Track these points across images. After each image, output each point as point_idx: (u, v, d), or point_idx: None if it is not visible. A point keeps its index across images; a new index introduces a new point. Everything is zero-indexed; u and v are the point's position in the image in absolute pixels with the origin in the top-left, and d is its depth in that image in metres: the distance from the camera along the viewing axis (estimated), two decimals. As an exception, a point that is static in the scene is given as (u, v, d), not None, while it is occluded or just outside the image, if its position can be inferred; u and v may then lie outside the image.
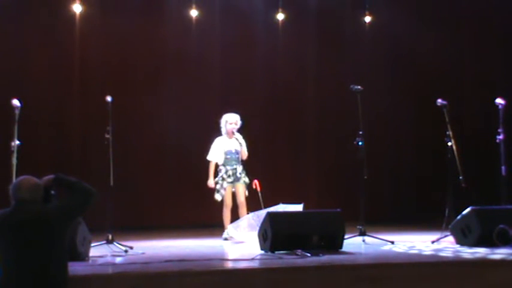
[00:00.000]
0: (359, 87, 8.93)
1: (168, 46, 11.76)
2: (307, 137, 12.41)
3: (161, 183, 11.55)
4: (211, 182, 9.31)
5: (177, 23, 11.83)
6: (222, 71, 11.96)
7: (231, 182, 9.29)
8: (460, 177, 8.58)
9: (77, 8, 11.32)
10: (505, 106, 8.99)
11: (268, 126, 12.02)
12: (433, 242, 8.32)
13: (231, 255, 7.87)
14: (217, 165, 9.41)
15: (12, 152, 7.93)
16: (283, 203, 8.83)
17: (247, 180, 9.37)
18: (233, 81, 11.97)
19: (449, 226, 8.28)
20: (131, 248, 7.83)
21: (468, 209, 8.09)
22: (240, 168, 9.36)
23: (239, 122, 9.47)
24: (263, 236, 7.74)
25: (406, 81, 12.59)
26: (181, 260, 6.90)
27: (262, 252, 7.63)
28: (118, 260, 7.14)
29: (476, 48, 12.90)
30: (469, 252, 7.42)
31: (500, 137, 8.92)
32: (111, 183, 8.00)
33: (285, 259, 7.07)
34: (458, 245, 8.01)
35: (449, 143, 8.67)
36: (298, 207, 8.77)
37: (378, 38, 12.54)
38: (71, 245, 6.33)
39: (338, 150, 11.84)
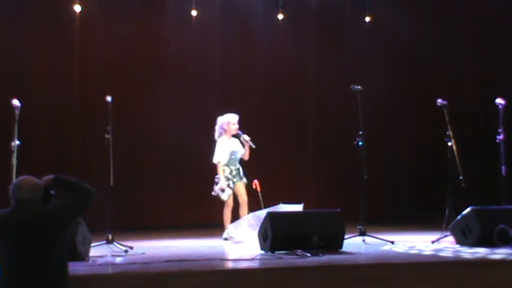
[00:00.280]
0: (359, 87, 8.93)
1: (168, 46, 11.76)
2: (307, 137, 12.40)
3: (161, 183, 11.55)
4: (224, 183, 9.27)
5: (177, 23, 11.82)
6: (222, 71, 11.96)
7: (235, 182, 9.30)
8: (460, 177, 8.58)
9: (77, 8, 11.31)
10: (505, 106, 8.99)
11: (268, 126, 12.01)
12: (433, 242, 8.32)
13: (231, 255, 7.87)
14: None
15: (12, 152, 7.93)
16: (283, 203, 8.83)
17: (245, 180, 9.38)
18: (233, 81, 11.97)
19: (449, 226, 8.28)
20: (131, 248, 7.83)
21: (468, 209, 8.09)
22: (241, 168, 9.39)
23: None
24: (263, 236, 7.74)
25: (406, 81, 12.59)
26: (182, 260, 6.91)
27: (262, 252, 7.63)
28: (118, 260, 7.14)
29: (476, 48, 12.90)
30: (469, 252, 7.42)
31: (500, 137, 8.92)
32: (111, 183, 8.00)
33: (285, 259, 7.07)
34: (458, 245, 8.01)
35: (449, 143, 8.67)
36: (298, 207, 8.77)
37: (378, 38, 12.54)
38: (71, 245, 6.32)
39: (338, 150, 11.84)
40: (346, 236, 7.97)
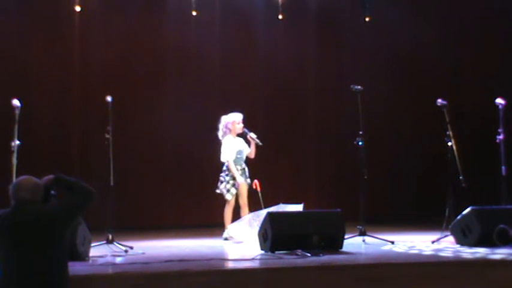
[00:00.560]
0: (359, 87, 8.93)
1: (168, 46, 11.77)
2: (307, 137, 12.40)
3: (161, 183, 11.55)
4: (241, 179, 9.26)
5: (177, 23, 11.83)
6: (222, 71, 11.96)
7: (243, 180, 9.31)
8: (460, 177, 8.58)
9: (77, 8, 11.31)
10: (505, 106, 8.99)
11: (268, 125, 12.00)
12: (433, 242, 8.32)
13: (231, 255, 7.86)
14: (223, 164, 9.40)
15: (12, 152, 7.93)
16: (283, 203, 8.83)
17: (249, 180, 9.38)
18: (233, 81, 11.97)
19: (450, 226, 8.28)
20: (131, 248, 7.83)
21: (468, 209, 8.09)
22: (246, 168, 9.39)
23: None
24: (263, 236, 7.74)
25: (406, 81, 12.59)
26: (182, 260, 6.91)
27: (262, 252, 7.63)
28: (118, 260, 7.15)
29: (476, 47, 12.90)
30: (469, 252, 7.42)
31: (500, 137, 8.92)
32: (111, 183, 8.01)
33: (285, 259, 7.07)
34: (458, 245, 8.01)
35: (449, 143, 8.67)
36: (298, 207, 8.77)
37: (378, 38, 12.54)
38: (71, 245, 6.32)
39: (338, 150, 11.84)
40: (346, 236, 7.97)
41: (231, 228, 9.09)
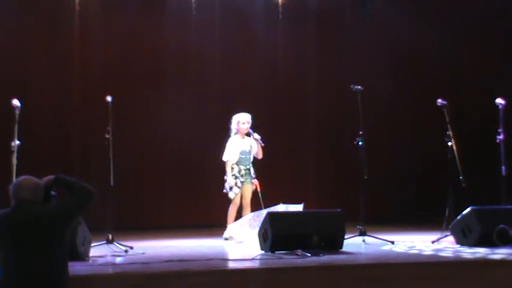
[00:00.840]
0: (359, 87, 8.93)
1: (168, 46, 11.76)
2: (307, 137, 12.40)
3: (161, 183, 11.55)
4: (232, 181, 9.29)
5: (177, 23, 11.82)
6: (222, 71, 11.95)
7: (244, 182, 9.31)
8: (460, 177, 8.58)
9: (77, 9, 11.31)
10: (505, 106, 8.99)
11: (268, 125, 11.99)
12: (433, 242, 8.32)
13: (231, 255, 7.87)
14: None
15: (12, 152, 7.93)
16: (284, 203, 8.83)
17: (256, 183, 9.37)
18: (233, 81, 11.97)
19: (450, 226, 8.28)
20: (131, 248, 7.83)
21: (468, 209, 8.10)
22: (252, 168, 9.39)
23: (250, 121, 9.48)
24: (263, 236, 7.74)
25: (406, 81, 12.59)
26: (182, 260, 6.91)
27: (262, 252, 7.63)
28: (118, 260, 7.15)
29: (476, 47, 12.89)
30: (469, 252, 7.42)
31: (500, 137, 8.92)
32: (111, 183, 8.01)
33: (285, 259, 7.07)
34: (458, 245, 8.01)
35: (449, 143, 8.67)
36: (299, 207, 8.77)
37: (378, 38, 12.53)
38: (71, 245, 6.33)
39: (338, 150, 11.84)
40: (346, 236, 7.98)
41: (231, 228, 9.09)
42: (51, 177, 5.38)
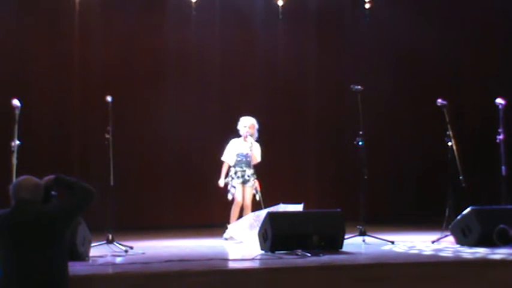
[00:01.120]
0: (359, 87, 8.93)
1: (168, 46, 11.75)
2: (307, 137, 12.40)
3: (161, 183, 11.55)
4: (221, 182, 9.34)
5: (178, 23, 11.82)
6: (222, 71, 11.95)
7: (241, 183, 9.31)
8: (460, 177, 8.58)
9: (78, 8, 11.31)
10: (505, 106, 8.99)
11: (268, 125, 11.99)
12: (433, 242, 8.32)
13: (231, 255, 7.87)
14: (229, 167, 9.42)
15: (12, 152, 7.93)
16: (284, 203, 8.83)
17: (256, 184, 9.36)
18: (233, 81, 11.97)
19: (450, 226, 8.28)
20: (131, 248, 7.83)
21: (468, 209, 8.10)
22: (249, 171, 9.37)
23: (255, 126, 9.48)
24: (263, 236, 7.74)
25: (406, 81, 12.59)
26: (182, 260, 6.91)
27: (262, 252, 7.63)
28: (118, 260, 7.15)
29: (476, 47, 12.89)
30: (469, 252, 7.42)
31: (501, 137, 8.92)
32: (111, 183, 8.01)
33: (285, 259, 7.07)
34: (458, 245, 8.01)
35: (449, 143, 8.68)
36: (299, 207, 8.77)
37: (378, 38, 12.54)
38: (71, 245, 6.33)
39: (338, 150, 11.84)
40: (346, 236, 7.98)
41: (231, 228, 9.10)
42: (51, 177, 5.38)
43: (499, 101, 9.00)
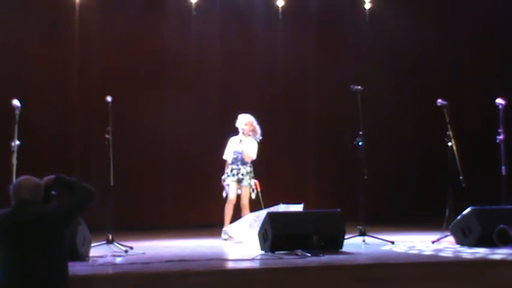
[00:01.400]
0: (359, 87, 8.94)
1: (168, 45, 11.75)
2: (307, 137, 12.40)
3: (161, 183, 11.54)
4: (226, 179, 9.35)
5: (178, 23, 11.82)
6: (222, 71, 11.95)
7: (236, 181, 9.30)
8: (460, 177, 8.58)
9: (78, 8, 11.31)
10: (505, 106, 8.99)
11: (268, 125, 11.98)
12: (433, 242, 8.32)
13: (231, 255, 7.87)
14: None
15: (12, 152, 7.93)
16: (284, 203, 8.83)
17: (252, 183, 9.34)
18: (233, 81, 11.96)
19: (450, 226, 8.29)
20: (131, 248, 7.83)
21: (468, 209, 8.10)
22: (244, 169, 9.35)
23: (254, 123, 9.47)
24: (263, 236, 7.74)
25: (406, 81, 12.59)
26: (182, 260, 6.91)
27: (262, 252, 7.63)
28: (118, 260, 7.15)
29: (476, 47, 12.90)
30: (469, 253, 7.42)
31: (501, 137, 8.92)
32: (111, 183, 8.01)
33: (285, 259, 7.07)
34: (458, 245, 8.01)
35: (450, 143, 8.68)
36: (299, 207, 8.77)
37: (378, 38, 12.54)
38: (71, 245, 6.33)
39: (338, 150, 11.83)
40: (346, 236, 7.98)
41: (230, 228, 9.09)
42: (52, 177, 5.38)
43: (499, 101, 9.00)
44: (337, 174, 12.07)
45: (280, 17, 12.22)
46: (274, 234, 7.55)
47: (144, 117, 11.48)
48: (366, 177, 8.63)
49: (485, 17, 12.83)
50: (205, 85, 11.85)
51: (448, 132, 8.68)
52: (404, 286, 6.49)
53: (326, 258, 7.02)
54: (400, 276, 6.55)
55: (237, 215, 9.33)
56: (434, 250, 7.73)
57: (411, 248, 8.01)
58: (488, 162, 10.81)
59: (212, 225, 10.04)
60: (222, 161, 9.48)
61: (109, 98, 8.31)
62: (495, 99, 9.06)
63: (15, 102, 8.12)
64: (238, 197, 9.37)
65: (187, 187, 11.53)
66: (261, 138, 9.54)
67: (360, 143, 8.75)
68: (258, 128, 9.52)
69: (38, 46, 11.25)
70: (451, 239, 8.24)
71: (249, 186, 9.32)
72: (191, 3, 11.77)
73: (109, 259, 7.21)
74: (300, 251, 7.27)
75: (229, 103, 11.29)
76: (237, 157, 9.39)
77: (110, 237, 7.91)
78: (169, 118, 11.44)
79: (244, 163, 9.37)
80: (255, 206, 9.27)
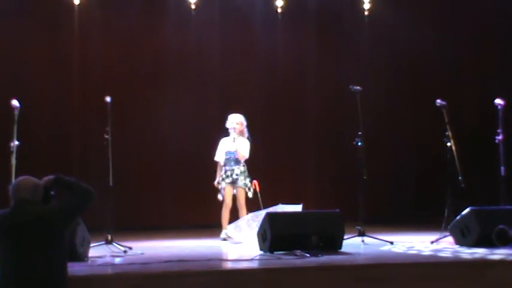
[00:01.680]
0: (358, 87, 8.93)
1: (168, 45, 11.75)
2: (307, 137, 12.39)
3: (161, 183, 11.55)
4: (216, 182, 9.34)
5: (178, 23, 11.83)
6: (222, 71, 11.95)
7: (230, 183, 9.30)
8: (460, 177, 8.58)
9: (76, 9, 11.31)
10: (505, 106, 9.00)
11: (268, 126, 12.02)
12: (432, 242, 8.33)
13: (230, 256, 7.88)
14: (221, 166, 9.44)
15: (12, 152, 7.93)
16: (283, 203, 8.83)
17: (247, 182, 9.33)
18: (233, 81, 11.97)
19: (449, 226, 8.29)
20: (130, 248, 7.83)
21: (467, 209, 8.10)
22: (238, 169, 9.33)
23: (244, 123, 9.46)
24: (262, 236, 7.74)
25: (405, 81, 12.59)
26: (181, 260, 6.91)
27: (262, 252, 7.63)
28: (117, 260, 7.15)
29: (475, 48, 12.89)
30: (468, 253, 7.42)
31: (500, 137, 8.93)
32: (111, 183, 8.01)
33: (284, 259, 7.07)
34: (457, 245, 8.01)
35: (449, 143, 8.68)
36: (298, 208, 8.77)
37: (377, 38, 12.54)
38: (70, 245, 6.32)
39: (338, 150, 11.83)
40: (345, 237, 7.98)
41: (230, 229, 9.09)
42: (51, 177, 5.39)
43: (498, 101, 9.01)
44: (336, 174, 12.07)
45: (280, 17, 12.22)
46: (273, 235, 7.55)
47: (144, 117, 11.49)
48: (365, 177, 8.63)
49: (484, 17, 12.83)
50: (205, 85, 11.85)
51: (447, 133, 8.68)
52: (404, 286, 6.49)
53: (325, 259, 7.02)
54: (399, 276, 6.55)
55: (234, 216, 9.32)
56: (433, 250, 7.73)
57: (410, 248, 8.01)
58: (487, 162, 10.81)
59: (211, 225, 10.04)
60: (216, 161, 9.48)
61: (108, 98, 8.32)
62: (494, 99, 9.07)
63: (15, 102, 8.13)
64: (234, 197, 9.36)
65: (187, 187, 11.53)
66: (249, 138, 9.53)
67: (359, 143, 8.75)
68: (246, 130, 9.50)
69: (38, 46, 11.25)
70: (450, 239, 8.24)
71: (244, 186, 9.30)
72: (191, 3, 11.78)
73: (108, 259, 7.20)
74: (299, 251, 7.27)
75: (229, 103, 11.28)
76: (230, 157, 9.37)
77: (109, 237, 7.91)
78: (169, 118, 11.44)
79: (237, 163, 9.35)
80: (254, 206, 9.27)
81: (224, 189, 9.27)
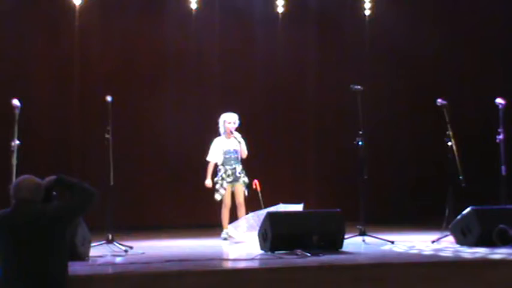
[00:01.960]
0: (359, 87, 8.94)
1: (168, 45, 11.76)
2: (307, 137, 12.40)
3: (161, 183, 11.55)
4: (208, 182, 9.32)
5: (177, 22, 11.83)
6: (222, 71, 11.96)
7: (231, 182, 9.29)
8: (460, 177, 8.58)
9: (77, 9, 11.32)
10: (505, 106, 9.00)
11: (268, 125, 12.02)
12: (433, 242, 8.33)
13: (231, 255, 7.88)
14: (216, 166, 9.41)
15: (12, 152, 7.93)
16: (283, 202, 8.84)
17: (246, 180, 9.34)
18: (233, 81, 11.97)
19: (449, 226, 8.29)
20: (131, 248, 7.83)
21: (468, 209, 8.10)
22: (239, 167, 9.34)
23: (237, 122, 9.47)
24: (263, 236, 7.74)
25: (406, 81, 12.58)
26: (181, 260, 6.91)
27: (262, 252, 7.63)
28: (118, 260, 7.15)
29: (476, 47, 12.89)
30: (469, 252, 7.42)
31: (500, 136, 8.93)
32: (111, 183, 8.01)
33: (285, 259, 7.07)
34: (458, 245, 8.01)
35: (449, 143, 8.67)
36: (298, 207, 8.77)
37: (378, 38, 12.53)
38: (70, 245, 6.32)
39: (338, 150, 11.83)
40: (346, 236, 7.97)
41: (230, 228, 9.10)
42: (53, 177, 5.39)
43: (499, 101, 9.01)
44: (337, 174, 12.06)
45: (280, 17, 12.22)
46: (274, 234, 7.55)
47: (144, 117, 11.49)
48: (365, 176, 8.63)
49: (484, 18, 12.81)
50: (205, 85, 11.85)
51: (447, 132, 8.68)
52: (405, 286, 6.48)
53: (326, 258, 7.02)
54: (400, 276, 6.55)
55: (233, 214, 9.32)
56: (434, 250, 7.73)
57: (411, 247, 8.01)
58: (488, 162, 10.81)
59: (212, 225, 10.04)
60: (207, 161, 9.47)
61: (109, 98, 8.32)
62: (495, 99, 9.06)
63: (15, 102, 8.13)
64: (233, 196, 9.35)
65: (188, 187, 11.52)
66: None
67: (360, 143, 8.75)
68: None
69: (38, 46, 11.26)
70: (450, 238, 8.24)
71: (243, 184, 9.30)
72: (191, 3, 11.78)
73: (109, 259, 7.21)
74: (299, 250, 7.27)
75: (229, 103, 11.27)
76: (230, 156, 9.36)
77: (110, 237, 7.91)
78: (169, 117, 11.45)
79: (238, 161, 9.36)
80: (254, 205, 9.26)
81: (225, 188, 9.25)
